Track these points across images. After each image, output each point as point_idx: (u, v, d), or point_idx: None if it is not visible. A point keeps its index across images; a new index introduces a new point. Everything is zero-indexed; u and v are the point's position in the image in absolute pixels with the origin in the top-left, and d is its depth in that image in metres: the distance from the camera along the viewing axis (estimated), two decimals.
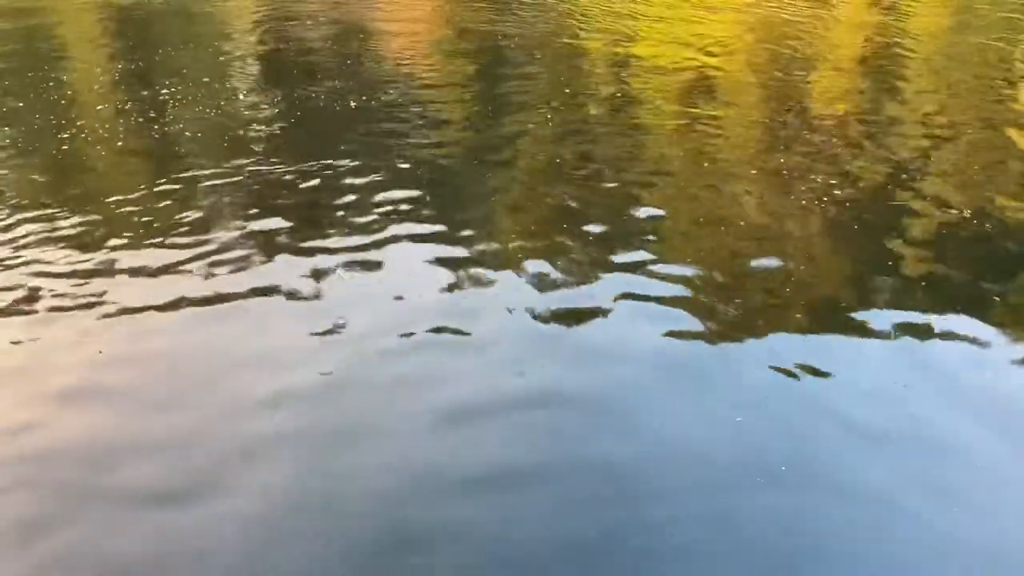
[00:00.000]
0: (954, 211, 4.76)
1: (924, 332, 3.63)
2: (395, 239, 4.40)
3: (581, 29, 8.58)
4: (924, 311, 3.77)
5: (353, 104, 6.49)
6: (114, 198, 4.88)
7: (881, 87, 7.06)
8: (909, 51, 8.08)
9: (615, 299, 3.83)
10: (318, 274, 4.04)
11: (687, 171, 5.36)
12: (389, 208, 4.74)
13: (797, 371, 3.34)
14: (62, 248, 4.31)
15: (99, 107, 6.49)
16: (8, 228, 4.54)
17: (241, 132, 5.99)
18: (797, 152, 5.60)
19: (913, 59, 7.83)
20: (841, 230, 4.57)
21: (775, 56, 7.77)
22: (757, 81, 7.19)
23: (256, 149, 5.68)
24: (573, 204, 4.85)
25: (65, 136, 5.86)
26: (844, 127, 6.11)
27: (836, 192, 4.95)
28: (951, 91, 6.97)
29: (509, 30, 8.65)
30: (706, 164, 5.45)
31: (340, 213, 4.71)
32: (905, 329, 3.64)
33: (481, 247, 4.36)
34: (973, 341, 3.58)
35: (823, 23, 9.08)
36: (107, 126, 6.10)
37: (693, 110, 6.42)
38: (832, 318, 3.78)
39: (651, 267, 4.11)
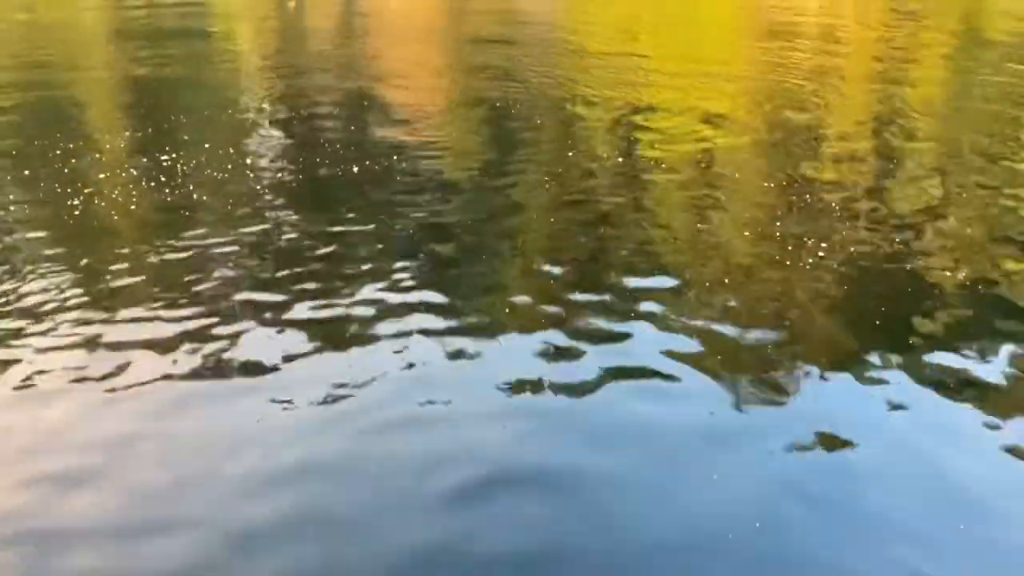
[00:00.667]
0: (961, 277, 4.76)
1: (936, 406, 3.62)
2: (395, 310, 4.40)
3: (588, 96, 8.70)
4: (933, 382, 3.75)
5: (356, 169, 6.57)
6: (121, 265, 4.92)
7: (884, 154, 7.12)
8: (912, 119, 8.17)
9: (616, 371, 3.82)
10: (319, 347, 4.05)
11: (690, 239, 5.38)
12: (389, 278, 4.76)
13: (809, 447, 3.32)
14: (64, 318, 4.33)
15: (110, 173, 6.58)
16: (10, 294, 4.59)
17: (247, 199, 6.06)
18: (802, 219, 5.63)
19: (916, 126, 7.91)
20: (847, 297, 4.55)
21: (779, 124, 7.85)
22: (761, 148, 7.26)
23: (262, 216, 5.74)
24: (574, 273, 4.87)
25: (75, 202, 5.93)
26: (848, 192, 6.14)
27: (841, 257, 4.96)
28: (954, 157, 7.03)
29: (517, 95, 8.79)
30: (710, 232, 5.47)
31: (340, 283, 4.73)
32: (913, 399, 3.63)
33: (481, 318, 4.36)
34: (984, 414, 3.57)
35: (827, 92, 9.20)
36: (117, 192, 6.19)
37: (696, 177, 6.47)
38: (840, 388, 3.77)
39: (654, 338, 4.11)
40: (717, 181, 6.38)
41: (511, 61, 10.40)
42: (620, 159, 6.90)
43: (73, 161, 6.84)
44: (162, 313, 4.41)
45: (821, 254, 5.05)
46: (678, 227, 5.60)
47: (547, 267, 4.96)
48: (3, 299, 4.57)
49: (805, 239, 5.27)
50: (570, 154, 6.99)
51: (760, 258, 5.05)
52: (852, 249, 5.11)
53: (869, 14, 14.44)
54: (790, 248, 5.14)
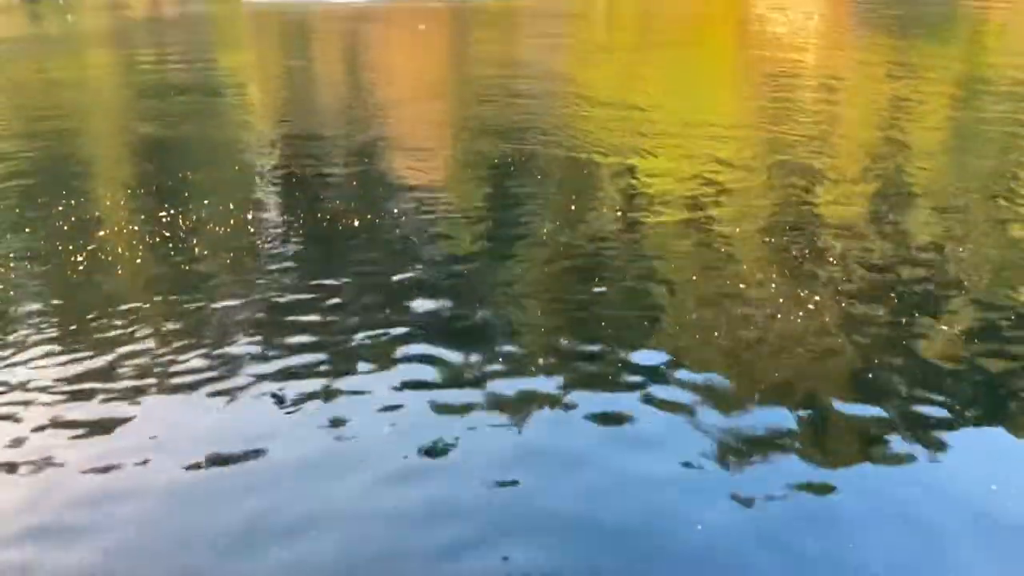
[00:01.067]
0: (959, 331, 4.75)
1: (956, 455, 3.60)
2: (393, 363, 4.46)
3: (590, 149, 8.77)
4: (917, 437, 3.73)
5: (356, 223, 6.63)
6: (122, 319, 4.99)
7: (888, 200, 7.14)
8: (916, 166, 8.20)
9: (607, 423, 3.86)
10: (317, 401, 4.11)
11: (687, 294, 5.40)
12: (388, 332, 4.81)
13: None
14: (62, 372, 4.37)
15: (113, 229, 6.66)
16: (9, 347, 4.62)
17: (249, 254, 6.13)
18: (799, 272, 5.65)
19: (921, 174, 7.94)
20: (838, 350, 4.56)
21: (782, 179, 7.90)
22: (766, 197, 7.30)
23: (263, 271, 5.81)
24: (572, 327, 4.89)
25: (80, 256, 6.01)
26: (854, 239, 6.17)
27: (835, 313, 4.96)
28: (959, 205, 7.03)
29: (518, 149, 8.87)
30: (715, 282, 5.50)
31: (339, 336, 4.78)
32: (897, 452, 3.61)
33: (477, 372, 4.39)
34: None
35: (830, 143, 9.26)
36: (122, 245, 6.28)
37: (698, 231, 6.51)
38: (825, 441, 3.76)
39: (645, 390, 4.14)
40: (719, 235, 6.41)
41: (514, 114, 10.54)
42: (621, 212, 6.95)
43: (76, 217, 6.92)
44: (162, 366, 4.44)
45: (815, 307, 5.05)
46: (676, 281, 5.63)
47: (544, 320, 5.00)
48: (1, 353, 4.60)
49: (800, 292, 5.27)
50: (572, 207, 7.04)
51: (756, 312, 5.06)
52: (847, 304, 5.13)
53: (869, 65, 14.60)
54: (783, 302, 5.15)
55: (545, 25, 22.94)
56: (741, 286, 5.38)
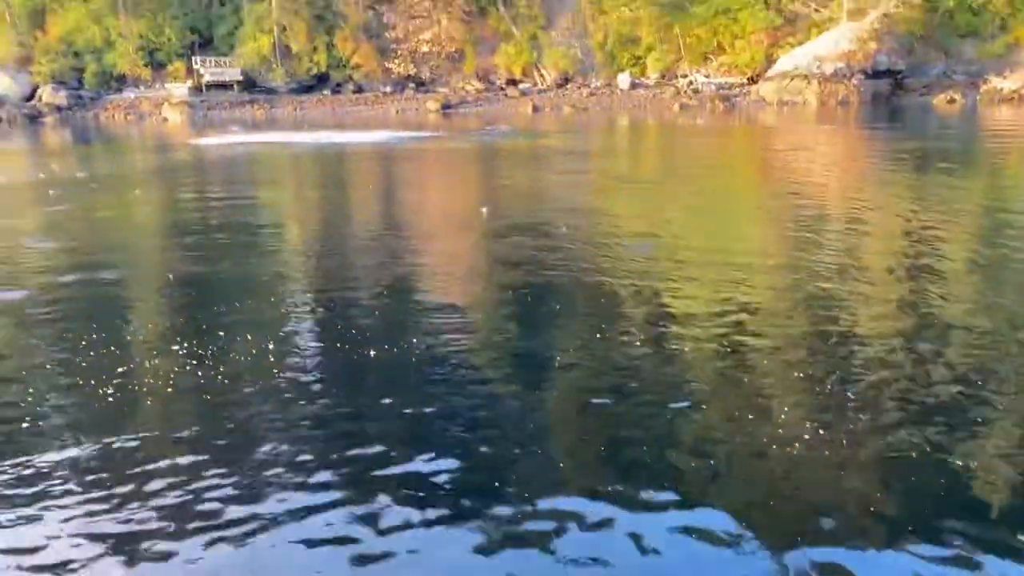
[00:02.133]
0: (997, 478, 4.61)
1: None
2: (419, 500, 4.39)
3: (616, 286, 8.85)
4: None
5: (386, 352, 6.69)
6: (153, 452, 5.00)
7: (917, 329, 7.09)
8: (944, 296, 8.17)
9: (646, 560, 3.74)
10: (340, 533, 4.04)
11: (714, 436, 5.33)
12: (413, 466, 4.76)
13: None
14: (88, 496, 4.35)
15: (151, 355, 6.79)
16: (36, 477, 4.62)
17: (276, 386, 6.18)
18: (840, 394, 5.57)
19: (950, 304, 7.89)
20: (889, 479, 4.44)
21: (811, 301, 7.91)
22: (793, 326, 7.28)
23: (295, 401, 5.86)
24: (596, 463, 4.83)
25: (112, 385, 6.09)
26: (885, 368, 6.09)
27: (880, 437, 4.86)
28: (989, 335, 6.95)
29: (545, 283, 9.00)
30: (743, 409, 5.43)
31: (362, 468, 4.74)
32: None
33: (499, 503, 4.31)
34: None
35: (855, 271, 9.29)
36: (157, 373, 6.37)
37: (728, 355, 6.49)
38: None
39: (692, 520, 4.05)
40: (746, 363, 6.36)
41: (539, 245, 10.74)
42: (647, 340, 6.94)
43: (108, 349, 7.04)
44: (189, 495, 4.42)
45: (846, 438, 4.96)
46: (706, 410, 5.54)
47: (568, 458, 4.94)
48: (28, 481, 4.60)
49: (831, 421, 5.19)
50: (598, 335, 7.05)
51: (784, 441, 4.97)
52: (879, 434, 5.04)
53: (892, 198, 14.80)
54: (812, 430, 5.06)
55: (570, 162, 23.72)
56: (769, 414, 5.31)
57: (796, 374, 6.12)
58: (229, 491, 4.49)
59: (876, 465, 4.66)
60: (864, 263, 9.61)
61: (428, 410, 5.60)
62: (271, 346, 6.99)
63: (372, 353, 6.74)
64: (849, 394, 5.66)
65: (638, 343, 6.88)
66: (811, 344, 6.81)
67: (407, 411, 5.59)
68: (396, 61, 69.19)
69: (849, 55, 54.57)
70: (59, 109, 63.29)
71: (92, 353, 6.86)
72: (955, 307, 7.76)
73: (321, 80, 70.47)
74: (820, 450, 4.83)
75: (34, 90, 66.41)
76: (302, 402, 5.82)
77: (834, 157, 23.86)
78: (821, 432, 5.07)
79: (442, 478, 4.63)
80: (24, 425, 5.51)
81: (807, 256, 9.84)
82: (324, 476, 4.69)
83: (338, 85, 70.16)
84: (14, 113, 60.17)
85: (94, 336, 7.31)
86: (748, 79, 61.55)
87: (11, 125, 56.16)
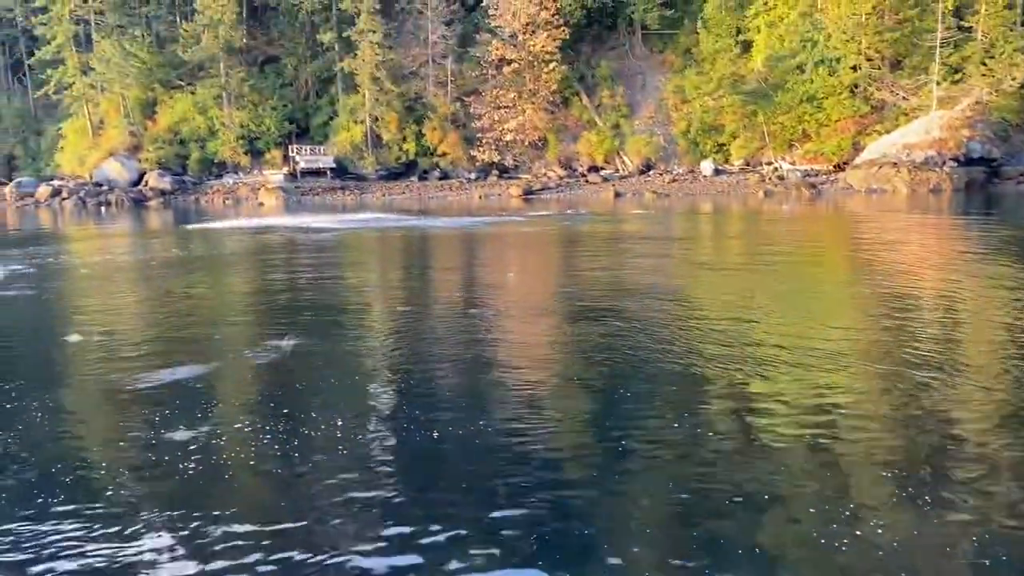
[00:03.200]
0: None
1: None
2: None
3: (702, 373, 8.64)
4: None
5: (462, 437, 6.64)
6: (235, 528, 5.04)
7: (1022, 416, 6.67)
8: None
9: None
10: None
11: (811, 511, 5.07)
12: (487, 556, 4.65)
13: None
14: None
15: (237, 433, 6.91)
16: (120, 551, 4.68)
17: (359, 468, 6.19)
18: (937, 502, 5.24)
19: None
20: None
21: (905, 396, 7.55)
22: (891, 427, 6.94)
23: (371, 483, 5.86)
24: (690, 554, 4.62)
25: (193, 459, 6.20)
26: (987, 478, 5.71)
27: (990, 552, 4.52)
28: None
29: (627, 371, 8.88)
30: (834, 510, 5.16)
31: (448, 564, 4.67)
32: None
33: None
34: None
35: (952, 368, 8.87)
36: (233, 459, 6.44)
37: (817, 449, 6.22)
38: None
39: None
40: (835, 460, 6.08)
41: (621, 330, 10.62)
42: (732, 431, 6.71)
43: (188, 421, 7.19)
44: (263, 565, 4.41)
45: (949, 550, 4.64)
46: (787, 517, 5.29)
47: (647, 548, 4.75)
48: (118, 557, 4.67)
49: (932, 532, 4.89)
50: (679, 424, 6.85)
51: (881, 549, 4.68)
52: (985, 547, 4.69)
53: (988, 288, 14.20)
54: (908, 541, 4.76)
55: (651, 246, 23.66)
56: (861, 518, 5.01)
57: (889, 473, 5.79)
58: (298, 569, 4.46)
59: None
60: (961, 357, 9.14)
61: (502, 496, 5.49)
62: (346, 429, 7.04)
63: (447, 432, 6.70)
64: (945, 494, 5.31)
65: (720, 434, 6.65)
66: (905, 441, 6.45)
67: (480, 494, 5.50)
68: (481, 149, 71.13)
69: (940, 143, 53.54)
70: (163, 193, 67.05)
71: (173, 431, 7.03)
72: None
73: (409, 167, 72.92)
74: (913, 556, 4.52)
75: (141, 175, 70.72)
76: (377, 483, 5.80)
77: (926, 244, 23.14)
78: (915, 534, 4.74)
79: (513, 563, 4.50)
80: (106, 507, 5.63)
81: (899, 347, 9.44)
82: (396, 559, 4.61)
83: (425, 172, 72.45)
84: (121, 197, 64.07)
85: (176, 413, 7.50)
86: (834, 166, 60.86)
87: (119, 208, 59.67)
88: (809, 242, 24.90)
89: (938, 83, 57.38)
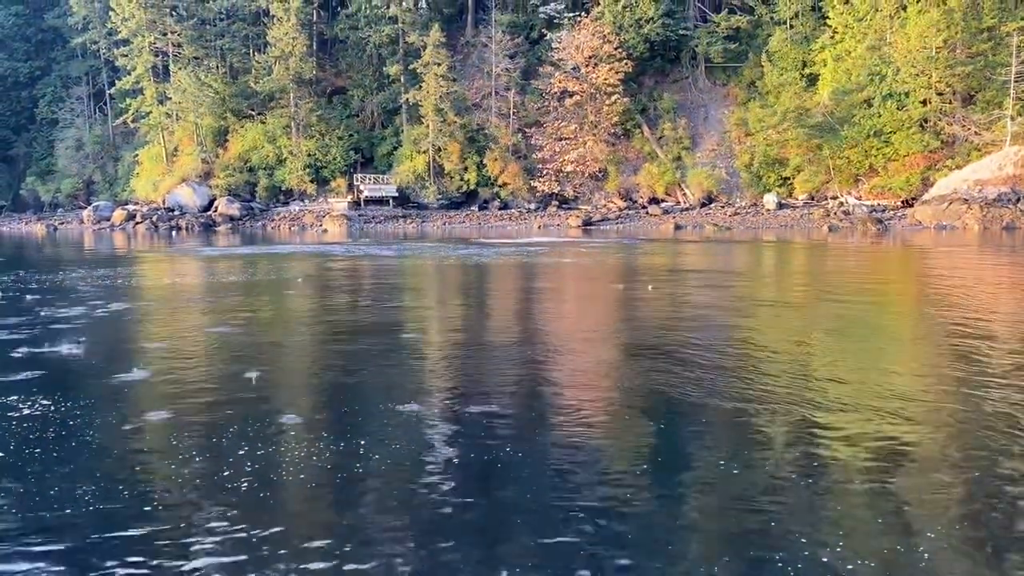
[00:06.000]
0: None
1: None
2: None
3: (760, 411, 8.45)
4: None
5: (501, 465, 6.60)
6: (287, 546, 5.09)
7: None
8: None
9: None
10: None
11: (876, 559, 4.89)
12: None
13: None
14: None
15: (281, 456, 7.01)
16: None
17: (413, 488, 6.21)
18: (1009, 545, 5.01)
19: None
20: None
21: (978, 439, 7.27)
22: (958, 471, 6.69)
23: (423, 506, 5.85)
24: None
25: (247, 477, 6.31)
26: None
27: None
28: None
29: (689, 398, 8.76)
30: (896, 552, 4.98)
31: None
32: None
33: None
34: None
35: None
36: (283, 474, 6.53)
37: (881, 494, 6.03)
38: None
39: None
40: (900, 506, 5.87)
41: (679, 365, 10.48)
42: (793, 470, 6.55)
43: (248, 442, 7.31)
44: None
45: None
46: (860, 553, 5.11)
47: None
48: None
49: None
50: (735, 470, 6.70)
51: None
52: None
53: None
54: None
55: (709, 280, 23.38)
56: (920, 568, 4.82)
57: (958, 522, 5.57)
58: None
59: None
60: None
61: (560, 533, 5.43)
62: (397, 455, 7.08)
63: (501, 464, 6.68)
64: (1014, 557, 5.07)
65: (782, 472, 6.48)
66: (972, 488, 6.20)
67: (538, 528, 5.45)
68: (541, 179, 71.59)
69: (1014, 179, 52.02)
70: (231, 219, 69.04)
71: (236, 447, 7.16)
72: None
73: (469, 197, 73.78)
74: None
75: (211, 201, 73.01)
76: (429, 506, 5.82)
77: (1000, 282, 22.36)
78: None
79: None
80: (167, 527, 5.75)
81: (968, 388, 9.10)
82: None
83: (485, 202, 73.20)
84: (192, 222, 66.19)
85: (228, 439, 7.65)
86: (902, 202, 59.50)
87: (188, 232, 61.62)
88: (874, 278, 24.28)
89: (1012, 118, 55.84)
